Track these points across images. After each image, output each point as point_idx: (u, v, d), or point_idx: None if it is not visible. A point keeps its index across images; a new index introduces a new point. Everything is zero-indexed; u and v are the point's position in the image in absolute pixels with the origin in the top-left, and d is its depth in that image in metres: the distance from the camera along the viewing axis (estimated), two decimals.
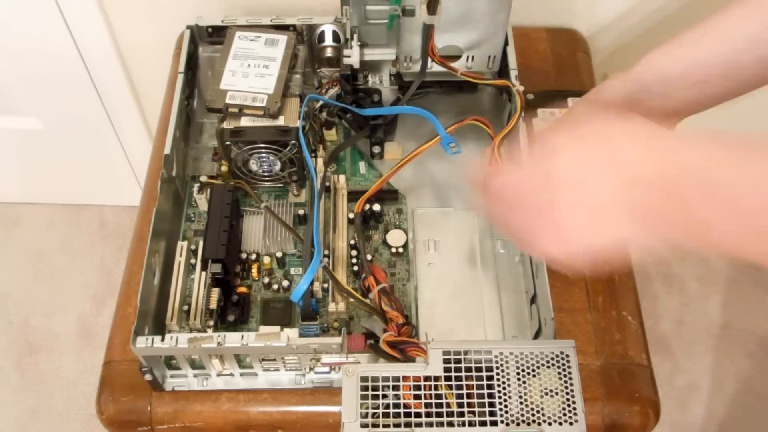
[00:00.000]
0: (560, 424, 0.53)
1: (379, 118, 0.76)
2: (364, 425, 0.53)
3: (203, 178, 0.73)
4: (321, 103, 0.77)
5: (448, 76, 0.76)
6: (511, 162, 0.53)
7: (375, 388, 0.55)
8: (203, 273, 0.66)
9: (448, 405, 0.54)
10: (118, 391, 0.65)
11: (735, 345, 1.29)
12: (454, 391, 0.55)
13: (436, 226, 0.73)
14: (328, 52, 0.79)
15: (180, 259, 0.68)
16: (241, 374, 0.64)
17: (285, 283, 0.70)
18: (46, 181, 1.36)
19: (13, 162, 1.30)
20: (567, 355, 0.56)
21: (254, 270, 0.70)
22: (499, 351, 0.56)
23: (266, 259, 0.70)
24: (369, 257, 0.71)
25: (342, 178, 0.74)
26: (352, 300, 0.65)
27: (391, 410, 0.54)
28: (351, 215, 0.71)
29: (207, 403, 0.64)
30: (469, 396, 0.55)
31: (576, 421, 0.53)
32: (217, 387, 0.64)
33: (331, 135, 0.79)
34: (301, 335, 0.59)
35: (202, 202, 0.73)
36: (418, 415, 0.54)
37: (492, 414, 0.54)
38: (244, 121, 0.70)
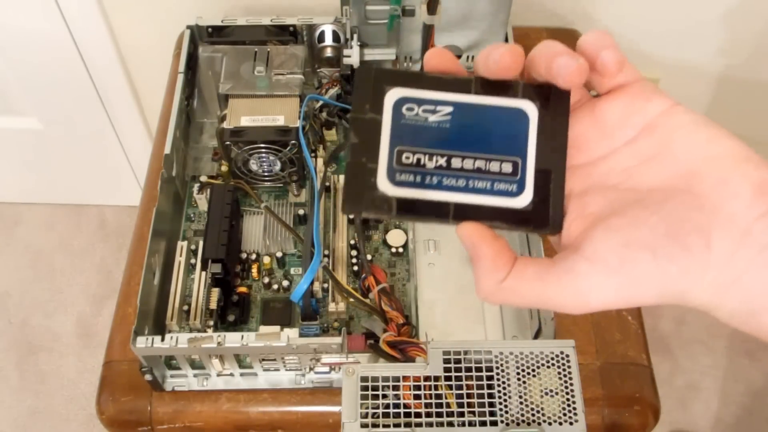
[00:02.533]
0: (560, 424, 0.53)
1: None
2: (364, 425, 0.53)
3: (203, 178, 0.73)
4: (321, 103, 0.77)
5: None
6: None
7: (375, 388, 0.54)
8: (203, 273, 0.66)
9: (448, 405, 0.54)
10: (118, 391, 0.65)
11: (735, 345, 1.29)
12: (454, 391, 0.55)
13: (436, 226, 0.73)
14: (328, 52, 0.79)
15: (180, 259, 0.68)
16: (241, 374, 0.64)
17: (285, 283, 0.70)
18: (46, 181, 1.36)
19: (13, 162, 1.30)
20: (567, 355, 0.56)
21: (254, 270, 0.70)
22: (499, 351, 0.56)
23: (266, 259, 0.70)
24: (369, 257, 0.70)
25: (342, 178, 0.74)
26: (352, 300, 0.65)
27: (391, 410, 0.54)
28: (351, 216, 0.71)
29: (207, 403, 0.64)
30: (469, 396, 0.54)
31: (576, 421, 0.53)
32: (217, 387, 0.64)
33: (331, 135, 0.79)
34: (301, 335, 0.59)
35: (202, 202, 0.73)
36: (418, 415, 0.54)
37: (492, 414, 0.54)
38: (244, 121, 0.70)
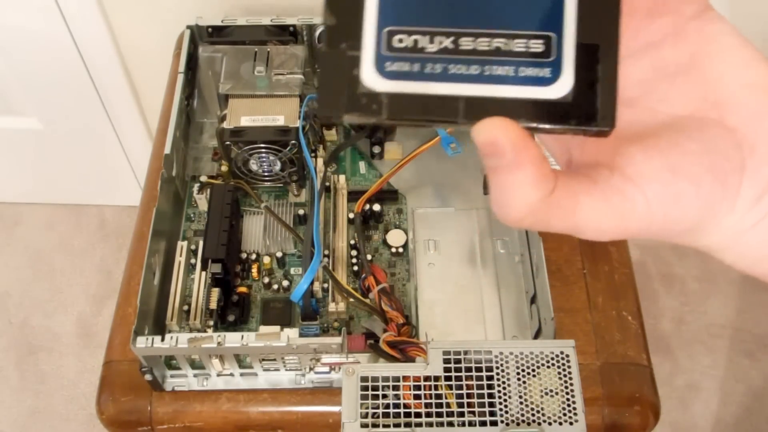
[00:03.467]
0: (560, 424, 0.53)
1: None
2: (364, 425, 0.53)
3: (203, 178, 0.73)
4: None
5: None
6: None
7: (375, 388, 0.54)
8: (203, 273, 0.66)
9: (448, 405, 0.54)
10: (118, 391, 0.65)
11: (735, 345, 1.29)
12: (454, 391, 0.55)
13: (436, 226, 0.73)
14: None
15: (180, 259, 0.68)
16: (241, 374, 0.64)
17: (285, 283, 0.70)
18: (46, 181, 1.36)
19: (13, 162, 1.30)
20: (567, 355, 0.56)
21: (254, 270, 0.70)
22: (499, 351, 0.56)
23: (266, 259, 0.70)
24: (369, 257, 0.70)
25: (342, 178, 0.74)
26: (352, 300, 0.65)
27: (391, 410, 0.54)
28: (351, 215, 0.71)
29: (207, 403, 0.64)
30: (469, 396, 0.55)
31: (576, 421, 0.53)
32: (217, 387, 0.64)
33: (331, 135, 0.79)
34: (301, 335, 0.59)
35: (202, 202, 0.73)
36: (418, 415, 0.54)
37: (492, 414, 0.54)
38: (244, 121, 0.70)
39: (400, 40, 0.23)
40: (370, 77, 0.23)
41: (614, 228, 0.25)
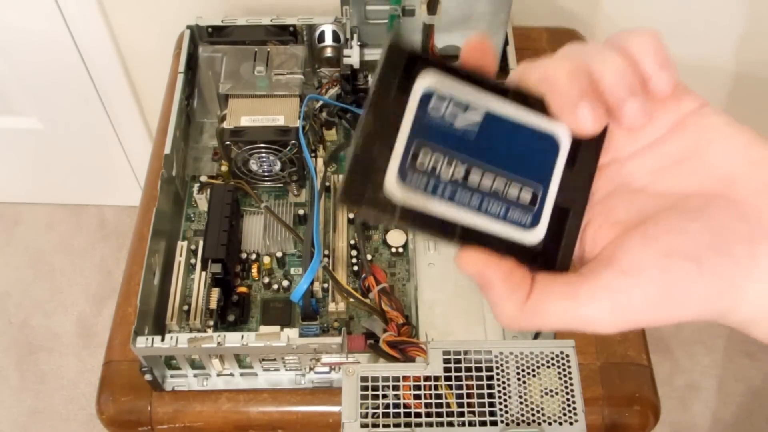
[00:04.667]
0: (560, 424, 0.53)
1: None
2: (364, 425, 0.53)
3: (203, 178, 0.73)
4: (321, 103, 0.77)
5: None
6: None
7: (375, 388, 0.54)
8: (203, 273, 0.66)
9: (448, 405, 0.54)
10: (118, 391, 0.65)
11: (735, 345, 1.29)
12: (454, 391, 0.55)
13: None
14: (328, 52, 0.79)
15: (180, 259, 0.68)
16: (241, 374, 0.64)
17: (285, 283, 0.70)
18: (46, 181, 1.36)
19: (13, 162, 1.30)
20: (567, 355, 0.56)
21: (254, 270, 0.70)
22: (499, 351, 0.56)
23: (266, 259, 0.70)
24: (369, 257, 0.70)
25: (342, 177, 0.74)
26: (352, 300, 0.65)
27: (391, 410, 0.54)
28: (351, 215, 0.71)
29: (207, 403, 0.64)
30: (469, 396, 0.54)
31: (576, 421, 0.53)
32: (217, 387, 0.64)
33: (331, 135, 0.79)
34: (301, 335, 0.59)
35: (202, 202, 0.73)
36: (418, 415, 0.54)
37: (492, 414, 0.54)
38: (244, 121, 0.70)
39: (425, 155, 0.27)
40: (391, 182, 0.27)
41: (614, 321, 0.26)
